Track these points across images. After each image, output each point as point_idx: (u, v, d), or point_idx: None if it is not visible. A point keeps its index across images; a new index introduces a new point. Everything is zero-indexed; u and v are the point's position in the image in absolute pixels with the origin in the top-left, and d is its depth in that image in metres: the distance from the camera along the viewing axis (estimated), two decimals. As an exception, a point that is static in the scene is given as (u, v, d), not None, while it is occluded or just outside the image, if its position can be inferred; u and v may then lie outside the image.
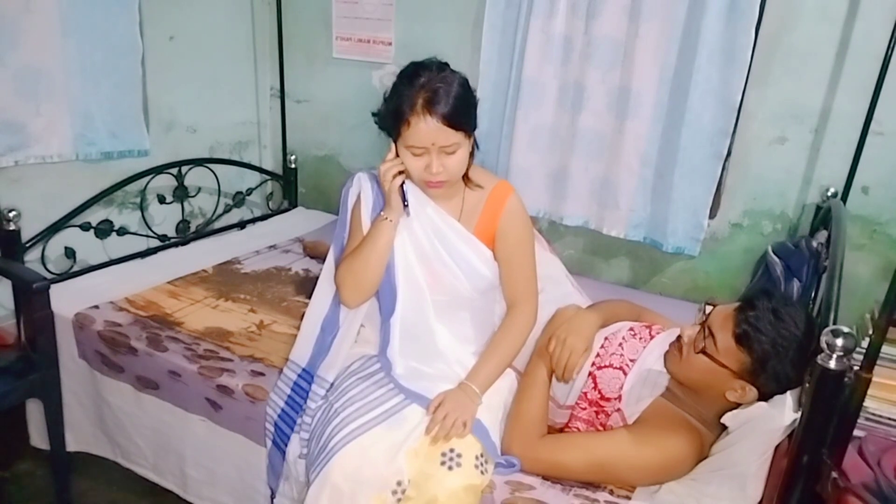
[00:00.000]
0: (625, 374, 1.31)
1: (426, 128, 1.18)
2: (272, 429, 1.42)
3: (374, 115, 1.29)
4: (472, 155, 1.30)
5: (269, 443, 1.43)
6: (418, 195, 1.33)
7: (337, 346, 1.39)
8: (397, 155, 1.25)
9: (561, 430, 1.36)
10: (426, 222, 1.32)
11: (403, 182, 1.27)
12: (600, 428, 1.31)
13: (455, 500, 1.17)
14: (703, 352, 1.19)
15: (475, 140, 1.29)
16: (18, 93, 1.84)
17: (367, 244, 1.29)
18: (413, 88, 1.19)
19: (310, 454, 1.25)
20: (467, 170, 1.31)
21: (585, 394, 1.32)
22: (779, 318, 1.13)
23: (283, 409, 1.41)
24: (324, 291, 1.43)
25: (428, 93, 1.18)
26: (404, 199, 1.28)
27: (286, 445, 1.38)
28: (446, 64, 1.25)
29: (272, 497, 1.44)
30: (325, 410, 1.29)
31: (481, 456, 1.23)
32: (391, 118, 1.23)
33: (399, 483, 1.17)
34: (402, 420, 1.23)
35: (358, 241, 1.33)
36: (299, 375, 1.41)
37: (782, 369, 1.12)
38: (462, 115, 1.20)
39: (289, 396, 1.41)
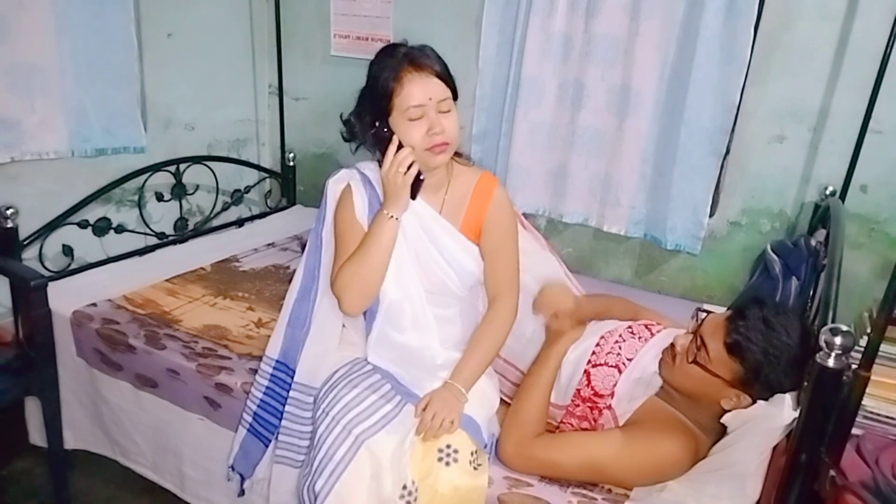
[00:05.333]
0: (620, 372, 1.31)
1: (420, 81, 1.18)
2: (250, 419, 1.43)
3: (345, 123, 1.28)
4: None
5: (244, 431, 1.44)
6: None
7: (313, 347, 1.36)
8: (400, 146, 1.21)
9: (556, 429, 1.36)
10: (415, 220, 1.29)
11: (421, 173, 1.22)
12: (593, 424, 1.31)
13: (456, 494, 1.18)
14: (696, 362, 1.18)
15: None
16: (12, 89, 1.84)
17: (371, 245, 1.24)
18: (395, 58, 1.20)
19: (310, 465, 1.22)
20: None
21: (579, 391, 1.33)
22: (770, 326, 1.13)
23: (262, 400, 1.41)
24: (293, 286, 1.40)
25: (410, 53, 1.20)
26: (417, 184, 1.23)
27: (270, 433, 1.40)
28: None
29: (241, 481, 1.47)
30: (321, 421, 1.24)
31: (475, 452, 1.24)
32: (378, 97, 1.20)
33: (405, 487, 1.17)
34: (399, 424, 1.23)
35: (353, 243, 1.27)
36: (274, 367, 1.41)
37: (776, 378, 1.12)
38: (446, 71, 1.21)
39: (267, 387, 1.41)
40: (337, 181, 1.34)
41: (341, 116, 1.32)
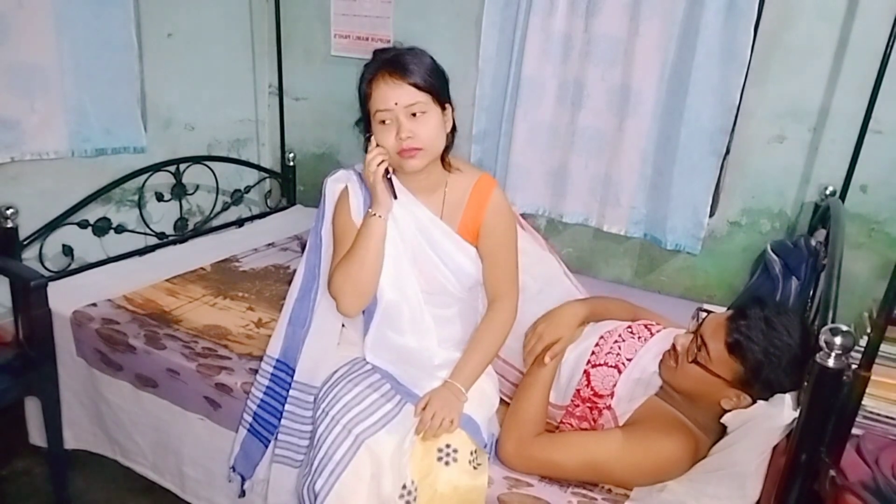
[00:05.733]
0: (619, 372, 1.30)
1: (386, 87, 1.18)
2: (250, 419, 1.43)
3: (356, 124, 1.30)
4: (452, 136, 1.28)
5: (245, 431, 1.44)
6: (403, 192, 1.29)
7: (313, 345, 1.36)
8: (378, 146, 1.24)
9: (556, 429, 1.36)
10: (411, 221, 1.30)
11: (388, 172, 1.24)
12: (592, 424, 1.31)
13: (456, 494, 1.18)
14: (696, 362, 1.18)
15: (454, 124, 1.28)
16: (12, 89, 1.84)
17: (360, 245, 1.25)
18: (376, 63, 1.22)
19: (310, 464, 1.22)
20: (447, 152, 1.29)
21: (579, 391, 1.33)
22: (771, 326, 1.13)
23: (262, 400, 1.42)
24: (294, 285, 1.41)
25: (388, 58, 1.21)
26: (390, 185, 1.25)
27: (270, 433, 1.40)
28: (413, 47, 1.25)
29: (242, 482, 1.47)
30: (321, 420, 1.24)
31: (474, 452, 1.24)
32: (360, 100, 1.24)
33: (404, 486, 1.17)
34: (400, 423, 1.23)
35: (349, 245, 1.28)
36: (275, 367, 1.41)
37: (776, 378, 1.12)
38: (425, 76, 1.20)
39: (267, 387, 1.41)
40: (335, 181, 1.35)
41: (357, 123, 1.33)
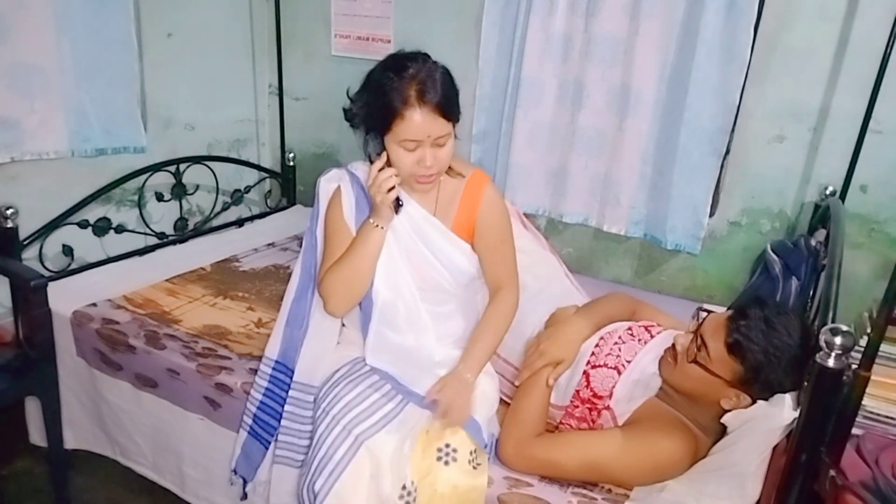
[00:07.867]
0: (619, 373, 1.31)
1: (421, 119, 1.15)
2: (250, 421, 1.43)
3: (345, 111, 1.26)
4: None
5: (245, 433, 1.44)
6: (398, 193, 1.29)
7: (312, 345, 1.37)
8: (388, 162, 1.21)
9: (555, 429, 1.36)
10: (406, 220, 1.30)
11: (398, 198, 1.25)
12: (591, 424, 1.31)
13: (455, 494, 1.19)
14: (696, 361, 1.19)
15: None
16: (12, 89, 1.84)
17: (357, 251, 1.26)
18: (403, 80, 1.15)
19: (310, 464, 1.22)
20: None
21: (578, 392, 1.33)
22: (771, 326, 1.13)
23: (261, 402, 1.42)
24: (290, 286, 1.41)
25: (420, 84, 1.14)
26: (397, 205, 1.26)
27: (270, 435, 1.40)
28: (427, 54, 1.22)
29: (244, 485, 1.47)
30: (321, 420, 1.25)
31: (474, 451, 1.24)
32: (379, 113, 1.18)
33: (404, 487, 1.18)
34: (400, 423, 1.24)
35: (340, 245, 1.29)
36: (273, 368, 1.42)
37: (776, 378, 1.12)
38: (452, 104, 1.19)
39: (266, 389, 1.42)
40: (328, 180, 1.36)
41: (344, 109, 1.29)
